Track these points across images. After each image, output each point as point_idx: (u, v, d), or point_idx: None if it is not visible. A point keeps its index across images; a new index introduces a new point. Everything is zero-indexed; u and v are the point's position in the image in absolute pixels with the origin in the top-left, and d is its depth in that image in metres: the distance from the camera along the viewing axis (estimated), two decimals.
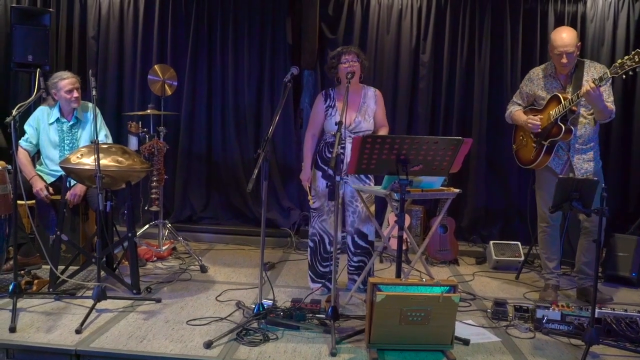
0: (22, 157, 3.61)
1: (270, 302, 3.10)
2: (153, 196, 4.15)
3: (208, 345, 2.60)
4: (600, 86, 3.11)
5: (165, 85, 4.31)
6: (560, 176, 3.24)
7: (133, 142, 4.08)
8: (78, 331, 2.71)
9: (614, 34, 4.85)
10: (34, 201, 3.64)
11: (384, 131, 3.55)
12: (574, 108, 3.29)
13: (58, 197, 3.57)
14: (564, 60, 3.28)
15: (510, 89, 4.82)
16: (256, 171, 2.69)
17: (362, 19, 5.06)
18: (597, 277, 2.60)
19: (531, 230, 4.04)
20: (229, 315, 3.03)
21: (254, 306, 2.92)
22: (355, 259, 3.53)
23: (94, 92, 2.97)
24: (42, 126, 3.73)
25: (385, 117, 3.60)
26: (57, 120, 3.72)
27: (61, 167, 3.24)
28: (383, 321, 2.52)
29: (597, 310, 2.75)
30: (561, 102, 3.28)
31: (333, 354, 2.55)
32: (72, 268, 3.46)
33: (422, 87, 5.03)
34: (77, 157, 3.16)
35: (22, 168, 3.52)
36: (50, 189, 3.65)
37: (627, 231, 4.26)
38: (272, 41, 5.14)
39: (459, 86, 5.02)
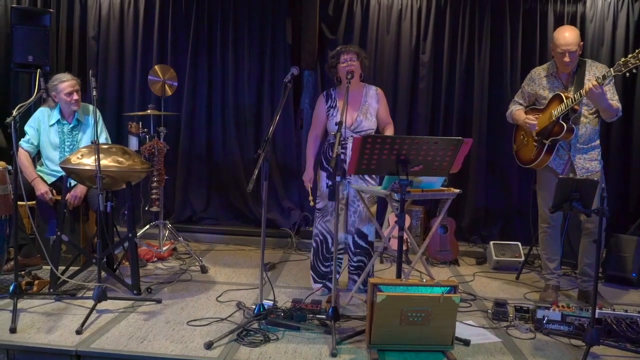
0: (23, 158, 3.61)
1: (270, 303, 3.10)
2: (153, 197, 4.15)
3: (209, 345, 2.60)
4: (603, 85, 3.11)
5: (166, 86, 4.32)
6: (561, 176, 3.24)
7: (133, 142, 4.08)
8: (78, 332, 2.71)
9: (613, 34, 4.85)
10: (34, 202, 3.64)
11: (389, 129, 3.55)
12: (575, 107, 3.29)
13: (58, 197, 3.58)
14: (567, 59, 3.28)
15: (510, 89, 4.82)
16: (256, 171, 2.69)
17: (362, 20, 5.06)
18: (597, 277, 2.60)
19: (532, 231, 4.04)
20: (229, 316, 3.03)
21: (254, 307, 2.92)
22: (355, 258, 3.53)
23: (94, 93, 2.97)
24: (42, 127, 3.72)
25: (389, 115, 3.60)
26: (58, 122, 3.71)
27: (61, 167, 3.24)
28: (383, 322, 2.52)
29: (597, 311, 2.75)
30: (563, 101, 3.28)
31: (333, 355, 2.55)
32: (73, 269, 3.46)
33: (422, 87, 5.03)
34: (78, 158, 3.16)
35: (23, 169, 3.52)
36: (53, 191, 3.65)
37: (628, 231, 4.26)
38: (272, 41, 5.14)
39: (459, 86, 5.02)
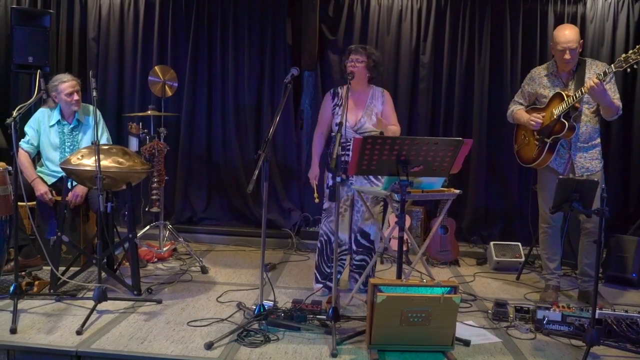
0: (23, 159, 3.61)
1: (271, 303, 3.10)
2: (154, 197, 4.15)
3: (209, 346, 2.60)
4: (604, 82, 3.12)
5: (166, 87, 4.32)
6: (561, 177, 3.24)
7: (133, 143, 4.08)
8: (79, 332, 2.71)
9: (613, 35, 4.85)
10: (34, 202, 3.65)
11: (391, 130, 3.49)
12: (576, 105, 3.29)
13: (59, 198, 3.58)
14: (567, 57, 3.29)
15: (510, 89, 4.82)
16: (257, 172, 2.69)
17: (362, 20, 5.06)
18: (597, 278, 2.60)
19: (532, 231, 4.04)
20: (229, 317, 3.03)
21: (254, 307, 2.92)
22: (357, 257, 3.53)
23: (94, 94, 2.97)
24: (42, 128, 3.73)
25: (395, 119, 3.55)
26: (58, 122, 3.72)
27: (62, 168, 3.24)
28: (384, 322, 2.52)
29: (597, 311, 2.75)
30: (564, 99, 3.28)
31: (334, 355, 2.55)
32: (73, 269, 3.46)
33: (422, 88, 5.03)
34: (78, 158, 3.16)
35: (23, 170, 3.52)
36: (53, 192, 3.65)
37: (628, 232, 4.26)
38: (272, 42, 5.14)
39: (459, 87, 5.02)
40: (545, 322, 2.92)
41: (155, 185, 4.11)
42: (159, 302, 3.23)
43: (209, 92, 5.23)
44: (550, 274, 3.58)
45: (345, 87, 3.30)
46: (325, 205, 3.55)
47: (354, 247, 3.54)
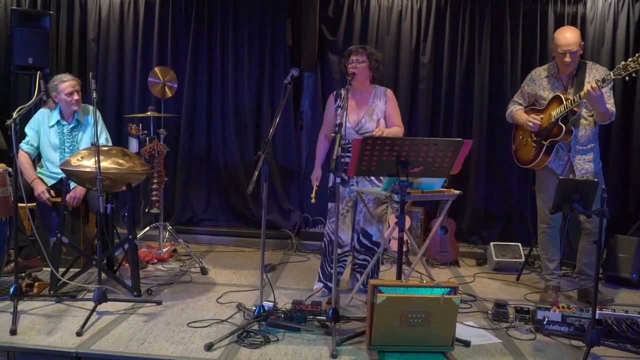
0: (23, 160, 3.61)
1: (270, 304, 3.10)
2: (153, 198, 4.15)
3: (209, 347, 2.60)
4: (602, 87, 3.11)
5: (166, 88, 4.32)
6: (561, 177, 3.24)
7: (133, 144, 4.08)
8: (79, 333, 2.71)
9: (613, 35, 4.85)
10: (34, 204, 3.65)
11: (394, 131, 3.45)
12: (575, 109, 3.29)
13: (59, 199, 3.58)
14: (568, 60, 3.29)
15: (510, 90, 4.81)
16: (256, 173, 2.69)
17: (362, 21, 5.06)
18: (597, 278, 2.60)
19: (532, 231, 4.04)
20: (229, 318, 3.03)
21: (254, 308, 2.92)
22: (360, 257, 3.54)
23: (94, 95, 2.97)
24: (42, 129, 3.73)
25: (398, 118, 3.52)
26: (58, 122, 3.72)
27: (61, 169, 3.24)
28: (384, 323, 2.52)
29: (597, 312, 2.75)
30: (563, 103, 3.29)
31: (334, 356, 2.55)
32: (73, 270, 3.46)
33: (422, 89, 5.03)
34: (78, 160, 3.16)
35: (23, 171, 3.52)
36: (52, 192, 3.65)
37: (628, 232, 4.26)
38: (272, 43, 5.14)
39: (459, 87, 5.02)
40: (545, 322, 2.92)
41: (155, 186, 4.12)
42: (159, 303, 3.23)
43: (208, 92, 5.23)
44: (550, 274, 3.58)
45: (346, 88, 3.28)
46: (329, 206, 3.55)
47: (356, 246, 3.54)
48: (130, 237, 3.37)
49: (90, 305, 2.97)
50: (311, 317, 2.95)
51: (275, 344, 2.69)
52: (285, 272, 4.16)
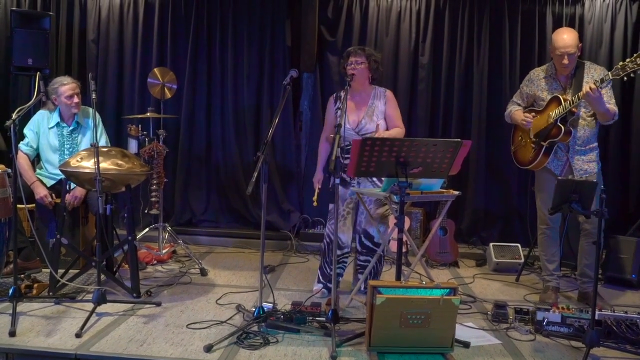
0: (23, 162, 3.61)
1: (270, 305, 3.09)
2: (153, 199, 4.15)
3: (208, 348, 2.60)
4: (601, 88, 3.12)
5: (165, 89, 4.32)
6: (560, 178, 3.25)
7: (133, 145, 4.08)
8: (78, 335, 2.70)
9: (611, 36, 4.86)
10: (33, 205, 3.64)
11: (394, 133, 3.44)
12: (574, 109, 3.30)
13: (58, 200, 3.57)
14: (565, 61, 3.29)
15: (509, 90, 4.82)
16: (256, 174, 2.69)
17: (361, 22, 5.07)
18: (597, 279, 2.60)
19: (531, 232, 4.04)
20: (229, 319, 3.03)
21: (254, 309, 2.92)
22: (361, 257, 3.54)
23: (93, 96, 2.97)
24: (41, 130, 3.72)
25: (398, 119, 3.51)
26: (57, 124, 3.71)
27: (61, 170, 3.24)
28: (383, 324, 2.52)
29: (597, 313, 2.75)
30: (561, 104, 3.29)
31: (333, 357, 2.55)
32: (72, 271, 3.46)
33: (421, 89, 5.03)
34: (77, 161, 3.16)
35: (23, 172, 3.51)
36: (53, 195, 3.64)
37: (627, 233, 4.26)
38: (271, 44, 5.14)
39: (458, 88, 5.02)
40: (544, 323, 2.92)
41: (154, 187, 4.12)
42: (158, 304, 3.22)
43: (208, 93, 5.23)
44: (550, 275, 3.58)
45: (345, 89, 3.28)
46: (330, 207, 3.55)
47: (358, 247, 3.54)
48: (129, 238, 3.36)
49: (89, 306, 2.97)
50: (311, 318, 2.95)
51: (275, 345, 2.69)
52: (284, 273, 4.16)
